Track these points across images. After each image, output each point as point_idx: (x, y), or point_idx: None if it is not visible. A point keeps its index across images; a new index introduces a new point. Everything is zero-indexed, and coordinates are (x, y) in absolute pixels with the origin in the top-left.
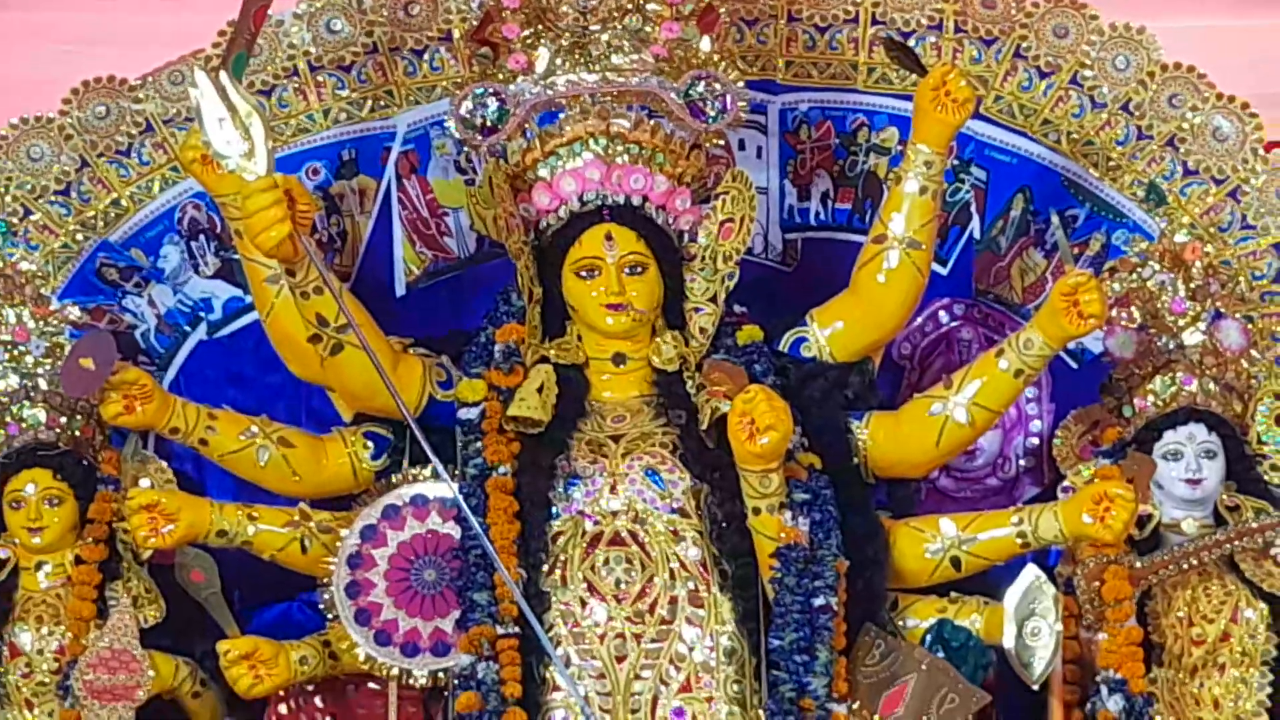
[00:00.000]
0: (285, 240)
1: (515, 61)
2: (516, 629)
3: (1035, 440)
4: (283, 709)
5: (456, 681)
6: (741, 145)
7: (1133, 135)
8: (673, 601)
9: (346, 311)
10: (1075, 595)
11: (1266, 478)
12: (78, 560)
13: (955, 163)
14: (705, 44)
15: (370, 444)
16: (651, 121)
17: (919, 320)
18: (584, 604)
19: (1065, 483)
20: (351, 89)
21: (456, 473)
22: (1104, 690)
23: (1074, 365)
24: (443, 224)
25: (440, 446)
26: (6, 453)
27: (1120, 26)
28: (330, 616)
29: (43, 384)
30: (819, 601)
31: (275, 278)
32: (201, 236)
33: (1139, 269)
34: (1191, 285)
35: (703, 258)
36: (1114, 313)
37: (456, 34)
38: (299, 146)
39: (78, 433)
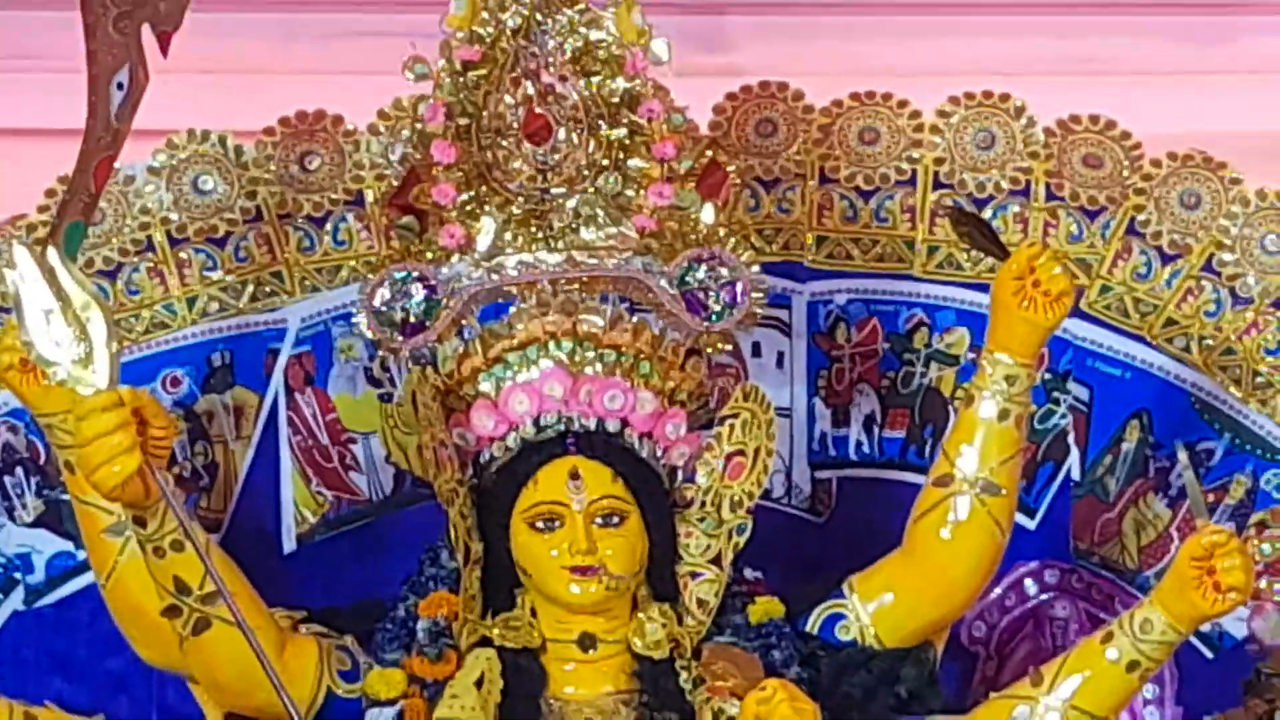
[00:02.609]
0: (133, 477)
1: (449, 235)
2: None
3: None
4: None
5: None
6: (756, 351)
7: None
8: None
9: (215, 574)
10: None
11: None
12: None
13: (1047, 377)
14: (708, 213)
15: None
16: (634, 319)
17: (998, 592)
18: None
19: None
20: (226, 269)
21: None
22: None
23: (1209, 655)
24: (348, 455)
25: None
26: None
27: (1271, 194)
28: None
29: None
30: None
31: (119, 528)
32: (19, 470)
33: None
34: None
35: (703, 504)
36: (1262, 583)
37: (370, 196)
38: (154, 348)
39: None
